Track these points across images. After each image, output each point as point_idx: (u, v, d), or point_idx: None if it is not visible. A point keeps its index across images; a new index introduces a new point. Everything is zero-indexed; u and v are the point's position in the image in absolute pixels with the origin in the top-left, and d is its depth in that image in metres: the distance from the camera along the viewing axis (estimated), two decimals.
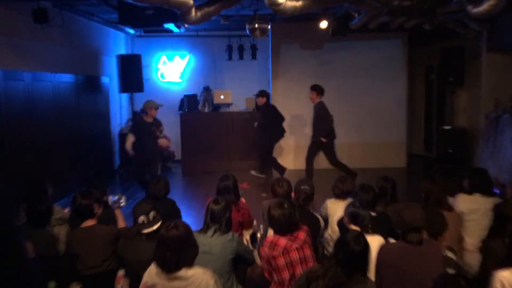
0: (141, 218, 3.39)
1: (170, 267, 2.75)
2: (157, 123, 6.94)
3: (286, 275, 3.16)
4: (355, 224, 3.28)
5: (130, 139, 6.73)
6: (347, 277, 2.59)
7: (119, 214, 4.17)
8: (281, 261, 3.17)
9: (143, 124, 6.83)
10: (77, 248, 3.56)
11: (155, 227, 3.37)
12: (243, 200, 4.59)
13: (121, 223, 4.11)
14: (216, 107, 9.87)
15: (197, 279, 2.75)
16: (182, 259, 2.76)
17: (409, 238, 3.00)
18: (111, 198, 4.13)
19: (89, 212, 3.69)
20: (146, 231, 3.36)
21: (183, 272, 2.74)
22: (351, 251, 2.63)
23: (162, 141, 6.93)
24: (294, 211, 3.32)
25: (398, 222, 3.09)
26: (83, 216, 3.68)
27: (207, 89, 10.11)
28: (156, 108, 6.91)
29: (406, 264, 2.95)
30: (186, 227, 2.89)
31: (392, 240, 3.29)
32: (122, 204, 4.24)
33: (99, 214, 3.78)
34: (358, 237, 2.70)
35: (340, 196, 4.27)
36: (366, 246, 2.70)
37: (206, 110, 9.73)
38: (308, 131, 9.76)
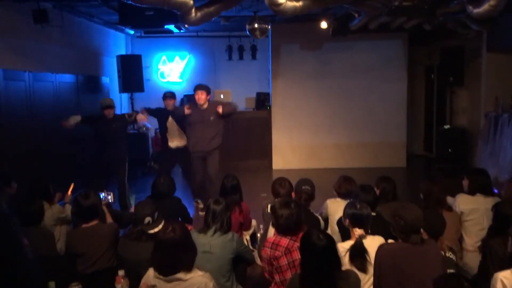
0: (148, 219, 3.41)
1: (167, 271, 2.75)
2: (120, 118, 6.47)
3: (289, 275, 3.15)
4: (359, 226, 3.20)
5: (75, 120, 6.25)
6: (327, 277, 2.59)
7: (106, 210, 4.21)
8: (284, 261, 3.15)
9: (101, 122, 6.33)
10: (81, 247, 3.56)
11: (160, 226, 3.39)
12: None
13: (109, 219, 4.14)
14: None
15: (196, 281, 2.74)
16: (180, 263, 2.75)
17: (412, 239, 2.99)
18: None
19: (95, 212, 3.71)
20: (151, 231, 3.38)
21: (182, 275, 2.74)
22: (318, 249, 2.61)
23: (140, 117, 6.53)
24: (300, 211, 3.32)
25: (400, 224, 3.05)
26: (89, 217, 3.68)
27: None
28: (104, 108, 6.25)
29: (406, 264, 2.95)
30: (184, 230, 2.87)
31: (390, 241, 3.28)
32: (109, 200, 4.38)
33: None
34: (318, 235, 2.68)
35: (344, 195, 4.27)
36: (329, 240, 2.68)
37: None
38: (307, 131, 9.80)
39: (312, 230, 2.82)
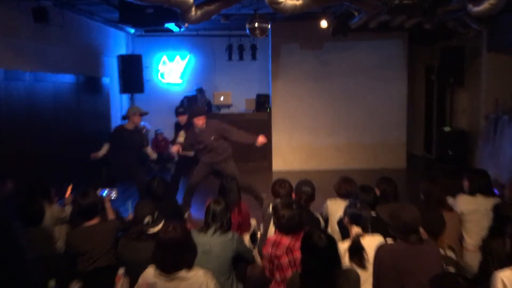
0: (147, 218, 3.40)
1: (169, 270, 2.76)
2: (140, 133, 6.41)
3: (290, 273, 3.14)
4: (357, 225, 3.25)
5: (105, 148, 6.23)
6: (327, 276, 2.59)
7: (108, 206, 4.21)
8: (285, 260, 3.15)
9: (122, 132, 6.24)
10: (83, 245, 3.54)
11: (160, 226, 3.39)
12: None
13: (110, 215, 4.13)
14: (209, 109, 9.83)
15: (198, 280, 2.75)
16: (181, 262, 2.76)
17: (411, 239, 2.98)
18: (101, 192, 4.16)
19: (95, 210, 3.70)
20: (151, 231, 3.37)
21: (183, 273, 2.75)
22: (319, 249, 2.63)
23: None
24: (302, 211, 3.33)
25: (398, 225, 3.03)
26: (90, 215, 3.67)
27: (200, 91, 10.07)
28: (140, 115, 6.27)
29: (405, 264, 2.94)
30: (185, 229, 2.88)
31: (389, 240, 3.27)
32: (113, 197, 4.37)
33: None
34: (319, 235, 2.70)
35: (344, 196, 4.26)
36: (330, 240, 2.69)
37: None
38: (307, 132, 9.78)
39: (313, 230, 2.82)
